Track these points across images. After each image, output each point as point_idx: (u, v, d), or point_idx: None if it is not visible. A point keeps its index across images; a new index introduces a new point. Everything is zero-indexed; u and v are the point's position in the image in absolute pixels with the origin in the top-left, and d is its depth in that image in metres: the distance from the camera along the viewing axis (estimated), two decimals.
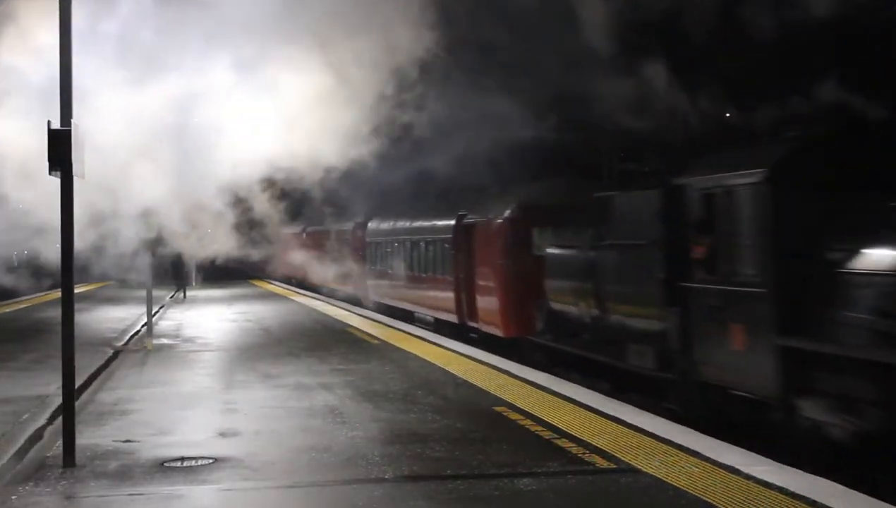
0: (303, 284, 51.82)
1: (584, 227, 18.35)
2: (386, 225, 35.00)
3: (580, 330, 18.34)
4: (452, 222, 26.33)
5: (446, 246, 26.70)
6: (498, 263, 22.46)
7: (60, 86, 11.20)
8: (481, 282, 23.66)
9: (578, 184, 22.21)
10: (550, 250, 20.14)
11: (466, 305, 24.90)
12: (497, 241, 22.68)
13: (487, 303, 23.28)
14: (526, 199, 22.63)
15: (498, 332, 22.32)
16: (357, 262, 39.13)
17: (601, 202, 17.63)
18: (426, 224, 29.44)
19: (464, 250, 25.13)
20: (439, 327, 27.02)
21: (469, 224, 25.00)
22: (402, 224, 32.41)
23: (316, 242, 49.67)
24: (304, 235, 53.04)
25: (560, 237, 19.99)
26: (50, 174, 11.24)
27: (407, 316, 30.66)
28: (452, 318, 25.96)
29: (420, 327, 27.69)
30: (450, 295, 26.16)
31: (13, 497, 10.06)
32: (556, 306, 19.56)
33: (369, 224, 37.61)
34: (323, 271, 46.64)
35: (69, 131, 11.10)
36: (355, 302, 38.15)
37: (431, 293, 28.27)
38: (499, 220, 22.87)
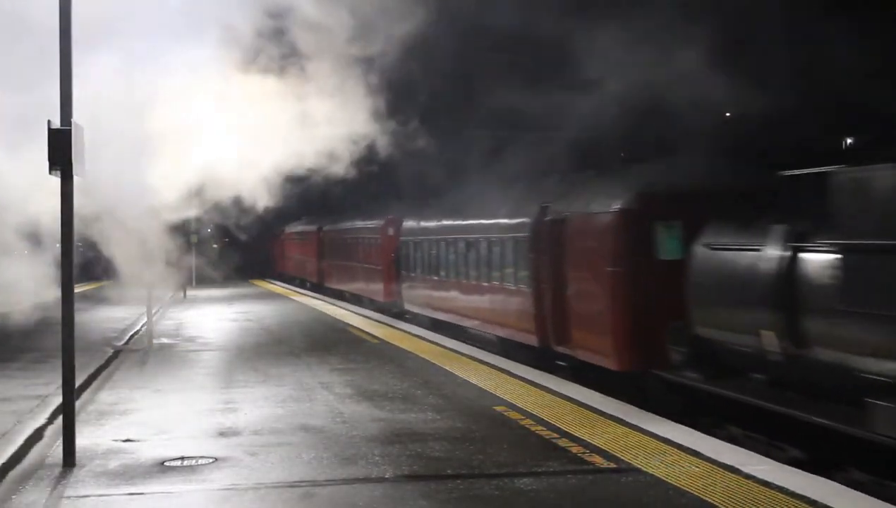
0: (320, 289, 47.33)
1: (765, 221, 13.19)
2: (428, 222, 29.11)
3: (756, 370, 13.14)
4: (531, 217, 20.19)
5: (521, 247, 20.62)
6: (607, 271, 16.39)
7: (60, 87, 11.19)
8: (580, 296, 17.64)
9: (718, 163, 17.41)
10: (700, 253, 14.55)
11: (553, 324, 18.68)
12: (605, 241, 16.69)
13: (591, 325, 17.12)
14: (648, 185, 16.66)
15: (608, 363, 16.31)
16: (388, 266, 33.90)
17: (803, 184, 13.22)
18: (488, 221, 23.28)
19: (549, 252, 18.92)
20: (506, 348, 21.41)
21: (558, 218, 18.74)
22: (453, 221, 26.50)
23: (335, 242, 44.83)
24: (321, 234, 48.56)
25: (716, 234, 14.47)
26: (50, 173, 11.25)
27: (457, 331, 25.25)
28: (529, 340, 19.97)
29: (476, 346, 22.46)
30: (526, 309, 20.05)
31: (13, 497, 10.07)
32: (707, 332, 14.09)
33: (405, 221, 31.97)
34: (345, 275, 41.89)
35: (69, 131, 11.11)
36: (385, 310, 33.41)
37: (496, 306, 22.21)
38: (607, 213, 16.83)
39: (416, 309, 30.06)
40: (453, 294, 25.85)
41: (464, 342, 23.34)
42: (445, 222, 27.23)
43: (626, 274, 16.02)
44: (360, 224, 39.78)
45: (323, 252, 48.11)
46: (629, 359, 15.84)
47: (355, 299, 39.40)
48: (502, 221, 22.11)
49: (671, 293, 14.79)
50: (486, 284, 22.99)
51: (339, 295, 42.32)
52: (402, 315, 31.35)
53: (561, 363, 18.47)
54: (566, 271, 18.16)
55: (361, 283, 38.78)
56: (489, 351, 20.47)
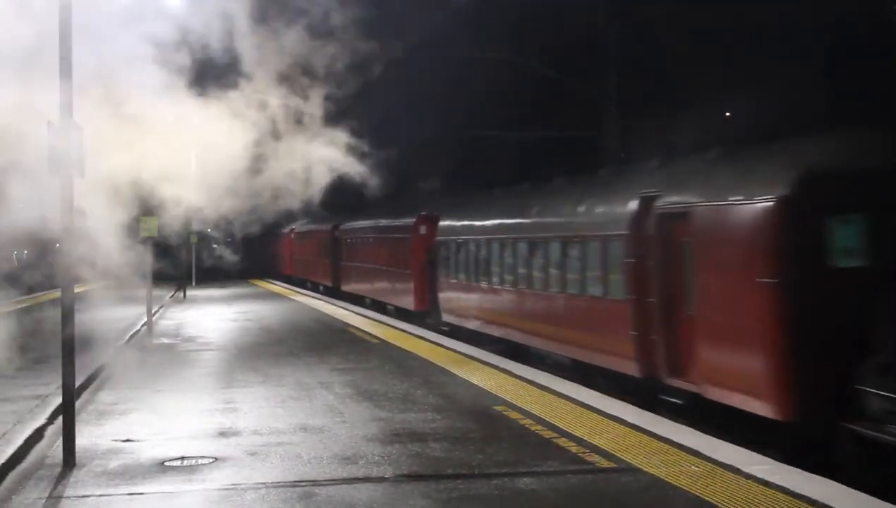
0: (336, 293, 42.99)
1: None
2: (475, 219, 24.94)
3: None
4: (629, 211, 16.06)
5: (614, 248, 16.41)
6: (759, 283, 12.31)
7: (60, 86, 11.20)
8: (714, 315, 13.48)
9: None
10: None
11: (665, 350, 14.72)
12: (755, 242, 12.57)
13: (732, 354, 13.02)
14: (818, 163, 12.45)
15: (764, 410, 12.24)
16: (420, 269, 29.65)
17: None
18: (563, 218, 19.23)
19: (660, 256, 14.98)
20: (587, 374, 17.35)
21: (673, 212, 14.72)
22: (511, 218, 22.41)
23: (354, 242, 40.58)
24: (336, 233, 44.09)
25: None
26: (50, 173, 11.25)
27: (514, 350, 21.03)
28: (624, 367, 15.91)
29: (545, 370, 18.06)
30: (621, 329, 15.96)
31: (13, 497, 10.07)
32: None
33: (442, 219, 27.72)
34: (366, 279, 37.59)
35: (69, 131, 11.11)
36: (409, 319, 29.45)
37: (574, 322, 18.09)
38: (758, 203, 12.63)
39: (456, 321, 25.73)
40: (510, 305, 21.66)
41: (465, 343, 23.25)
42: (500, 220, 23.07)
43: (787, 288, 11.97)
44: (384, 222, 35.14)
45: (339, 253, 43.66)
46: (798, 405, 11.84)
47: (378, 306, 35.25)
48: (583, 218, 18.06)
49: (853, 313, 11.39)
50: (558, 294, 18.83)
51: (358, 301, 38.05)
52: (436, 326, 27.07)
53: (673, 400, 14.56)
54: (688, 281, 14.09)
55: (387, 289, 34.14)
56: (563, 376, 17.26)
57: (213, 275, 57.67)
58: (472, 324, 24.45)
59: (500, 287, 22.32)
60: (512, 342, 21.51)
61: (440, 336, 24.45)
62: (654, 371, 15.08)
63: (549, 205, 20.50)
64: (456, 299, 25.90)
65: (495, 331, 22.73)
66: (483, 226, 24.12)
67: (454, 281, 25.81)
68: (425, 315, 29.06)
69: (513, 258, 21.58)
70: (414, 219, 30.88)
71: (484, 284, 23.38)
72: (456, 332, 25.18)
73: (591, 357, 17.32)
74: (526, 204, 21.89)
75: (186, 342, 25.04)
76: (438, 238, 27.53)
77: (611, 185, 18.25)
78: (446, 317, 26.60)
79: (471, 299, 24.51)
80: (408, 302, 30.83)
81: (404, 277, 31.37)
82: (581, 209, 18.42)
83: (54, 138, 11.08)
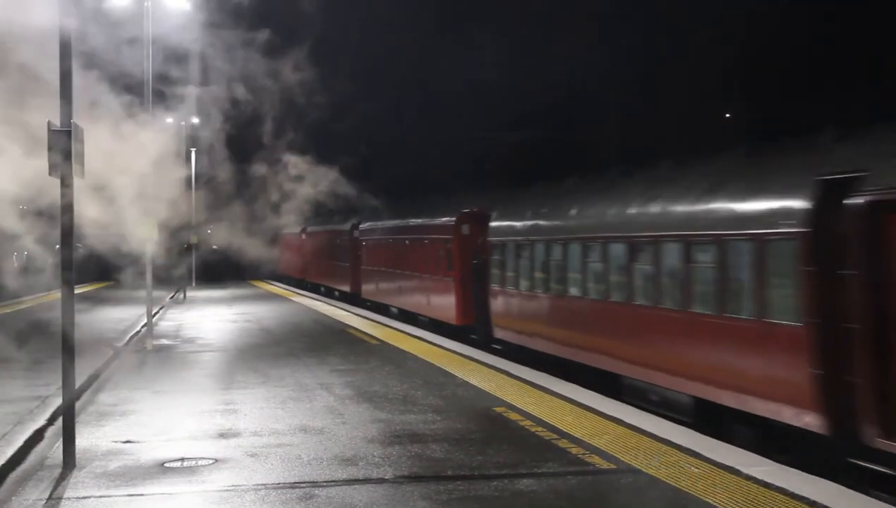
0: (355, 300, 38.98)
1: None
2: (544, 218, 20.64)
3: None
4: (808, 197, 11.86)
5: (778, 253, 12.35)
6: None
7: (60, 88, 11.20)
8: None
9: None
10: None
11: (875, 399, 10.66)
12: None
13: None
14: None
15: None
16: (464, 276, 25.39)
17: None
18: (676, 213, 15.20)
19: (866, 263, 10.85)
20: (712, 418, 13.71)
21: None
22: (600, 215, 17.99)
23: (378, 244, 36.31)
24: (356, 233, 40.25)
25: None
26: (50, 175, 11.25)
27: (598, 378, 17.03)
28: (800, 419, 11.82)
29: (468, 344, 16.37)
30: (793, 364, 11.86)
31: (13, 498, 10.08)
32: None
33: (495, 219, 23.55)
34: (393, 286, 33.15)
35: (69, 131, 11.11)
36: (449, 334, 25.07)
37: (705, 351, 13.98)
38: None
39: (515, 339, 21.66)
40: (598, 323, 17.49)
41: (467, 344, 23.23)
42: (583, 219, 18.74)
43: None
44: (417, 221, 30.70)
45: (359, 255, 39.40)
46: None
47: (407, 317, 30.79)
48: (721, 212, 13.90)
49: None
50: (678, 313, 14.71)
51: (382, 310, 34.35)
52: (485, 343, 23.31)
53: (882, 469, 10.64)
54: None
55: (420, 298, 29.50)
56: (681, 422, 13.80)
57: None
58: (537, 344, 20.23)
59: (582, 299, 18.15)
60: (596, 369, 17.38)
61: (439, 337, 24.39)
62: (849, 426, 10.96)
63: (660, 195, 15.96)
64: (516, 313, 21.53)
65: (572, 355, 18.47)
66: (556, 226, 19.78)
67: (513, 290, 21.58)
68: (469, 330, 24.92)
69: (602, 263, 17.41)
70: (455, 218, 26.33)
71: (558, 296, 19.27)
72: (516, 354, 20.95)
73: (734, 399, 13.16)
74: (621, 195, 17.51)
75: (186, 343, 25.05)
76: (491, 239, 23.23)
77: (761, 167, 13.77)
78: (500, 334, 22.55)
79: (538, 313, 20.20)
80: (448, 314, 26.40)
81: (443, 285, 26.80)
82: (718, 201, 14.07)
83: (54, 139, 11.08)
